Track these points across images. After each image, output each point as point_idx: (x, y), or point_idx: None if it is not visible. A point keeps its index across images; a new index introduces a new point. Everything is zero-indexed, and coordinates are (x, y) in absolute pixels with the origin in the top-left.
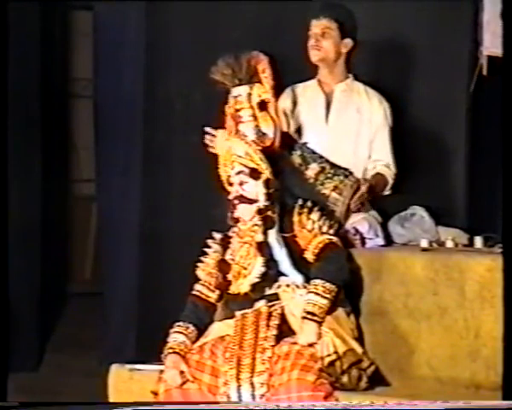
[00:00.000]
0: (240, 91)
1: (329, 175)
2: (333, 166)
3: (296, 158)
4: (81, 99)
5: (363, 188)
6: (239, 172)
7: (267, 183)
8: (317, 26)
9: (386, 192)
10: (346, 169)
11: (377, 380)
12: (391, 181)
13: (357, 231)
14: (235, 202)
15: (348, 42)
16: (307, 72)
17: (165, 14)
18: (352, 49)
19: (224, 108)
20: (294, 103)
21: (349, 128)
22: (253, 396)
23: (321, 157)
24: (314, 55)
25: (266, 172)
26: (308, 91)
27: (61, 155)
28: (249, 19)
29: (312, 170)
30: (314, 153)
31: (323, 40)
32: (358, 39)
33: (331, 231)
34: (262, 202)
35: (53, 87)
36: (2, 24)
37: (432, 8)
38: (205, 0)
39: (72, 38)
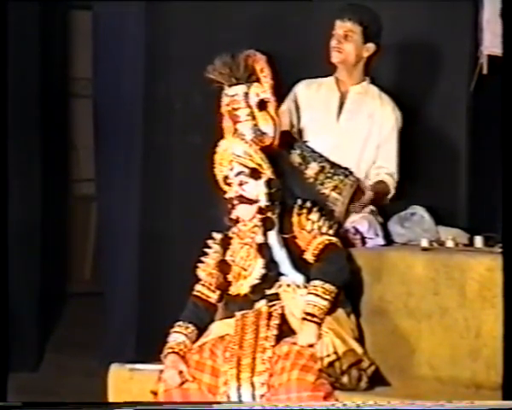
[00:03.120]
0: (236, 91)
1: (329, 175)
2: (333, 165)
3: (296, 157)
4: (81, 99)
5: (367, 196)
6: (239, 173)
7: (269, 183)
8: (341, 27)
9: (387, 201)
10: (345, 168)
11: (377, 380)
12: (392, 190)
13: (357, 230)
14: (235, 202)
15: (370, 46)
16: (307, 72)
17: (165, 14)
18: (374, 54)
19: (220, 108)
20: (307, 98)
21: (359, 130)
22: (253, 396)
23: (321, 156)
24: (335, 57)
25: (268, 172)
26: (324, 88)
27: (61, 155)
28: (249, 19)
29: (312, 169)
30: (314, 152)
31: (345, 43)
32: None
33: (331, 232)
34: (263, 202)
35: (53, 87)
36: (2, 24)
37: (432, 8)
38: (205, 0)
39: (71, 38)
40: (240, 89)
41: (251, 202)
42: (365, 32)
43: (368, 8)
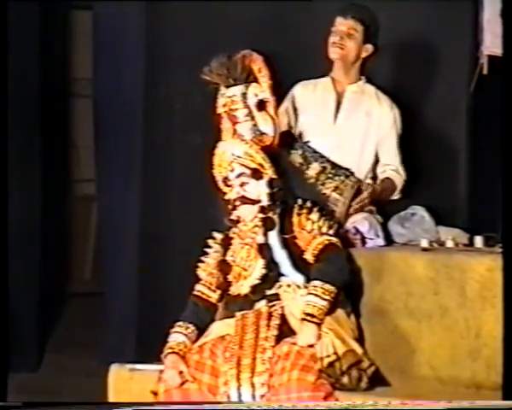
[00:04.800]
0: (234, 92)
1: (330, 175)
2: (334, 166)
3: (297, 157)
4: (81, 99)
5: (365, 193)
6: (240, 175)
7: (271, 182)
8: (344, 24)
9: (395, 197)
10: (347, 169)
11: (378, 380)
12: (399, 186)
13: (357, 230)
14: (237, 203)
15: (369, 47)
16: (307, 71)
17: (165, 14)
18: (371, 55)
19: (216, 109)
20: (303, 100)
21: (357, 130)
22: (254, 396)
23: (322, 157)
24: (334, 53)
25: (269, 172)
26: (320, 88)
27: (62, 155)
28: (249, 19)
29: (313, 170)
30: (315, 152)
31: (348, 40)
32: None
33: (331, 232)
34: (265, 202)
35: (53, 87)
36: (2, 24)
37: (432, 8)
38: (205, 0)
39: (72, 38)
40: (237, 89)
41: (253, 202)
42: (366, 31)
43: (368, 8)
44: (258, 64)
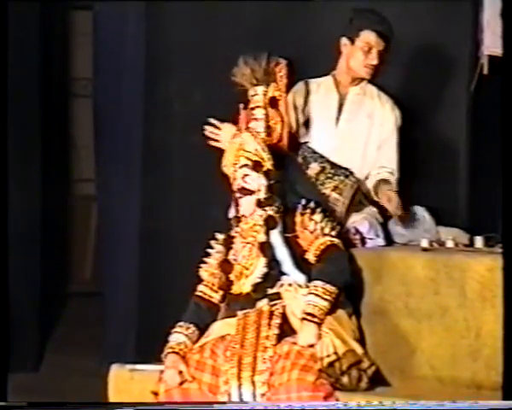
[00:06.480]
0: (256, 91)
1: (330, 175)
2: (333, 165)
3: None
4: (81, 99)
5: (395, 201)
6: (243, 166)
7: (267, 174)
8: (378, 44)
9: None
10: (346, 169)
11: (378, 380)
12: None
13: (357, 230)
14: (238, 195)
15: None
16: (308, 70)
17: (165, 14)
18: None
19: (241, 109)
20: (306, 99)
21: (359, 132)
22: (254, 395)
23: (321, 157)
24: (367, 74)
25: (267, 163)
26: (322, 89)
27: (61, 155)
28: (249, 18)
29: (313, 170)
30: (315, 152)
31: (379, 64)
32: None
33: (333, 233)
34: (262, 194)
35: (53, 87)
36: (2, 24)
37: (432, 9)
38: (205, 0)
39: (72, 38)
40: (260, 89)
41: (251, 193)
42: (388, 47)
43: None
44: (281, 67)
